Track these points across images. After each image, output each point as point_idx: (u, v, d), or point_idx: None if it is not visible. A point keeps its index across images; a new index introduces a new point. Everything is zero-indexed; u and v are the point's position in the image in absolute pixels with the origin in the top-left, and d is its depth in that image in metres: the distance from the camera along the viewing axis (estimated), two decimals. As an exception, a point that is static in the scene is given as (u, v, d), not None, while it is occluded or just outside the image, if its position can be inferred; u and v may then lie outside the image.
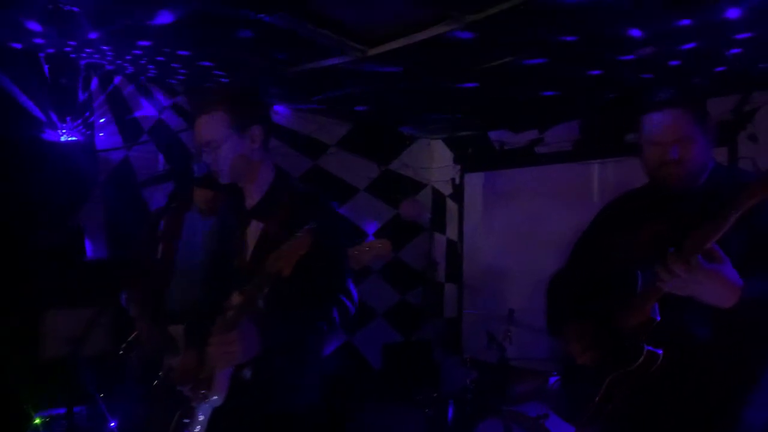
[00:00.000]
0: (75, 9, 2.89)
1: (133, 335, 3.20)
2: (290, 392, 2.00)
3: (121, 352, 3.21)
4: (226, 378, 1.90)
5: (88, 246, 4.07)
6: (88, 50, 3.72)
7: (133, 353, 3.18)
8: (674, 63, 3.50)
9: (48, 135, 3.94)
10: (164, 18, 3.05)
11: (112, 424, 3.48)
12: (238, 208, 2.12)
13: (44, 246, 3.76)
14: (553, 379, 3.74)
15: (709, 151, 1.86)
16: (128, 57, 3.84)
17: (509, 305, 4.29)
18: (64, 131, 4.01)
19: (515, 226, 5.52)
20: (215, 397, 1.90)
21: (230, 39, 3.33)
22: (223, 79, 4.15)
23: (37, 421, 3.36)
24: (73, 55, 3.86)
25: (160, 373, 2.93)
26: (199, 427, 1.91)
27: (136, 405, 3.09)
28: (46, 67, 3.89)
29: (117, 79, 4.30)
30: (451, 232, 6.12)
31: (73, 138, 4.06)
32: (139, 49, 3.64)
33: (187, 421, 1.93)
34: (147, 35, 3.33)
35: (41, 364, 3.30)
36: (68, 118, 4.03)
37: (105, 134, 4.26)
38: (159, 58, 3.83)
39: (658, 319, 1.62)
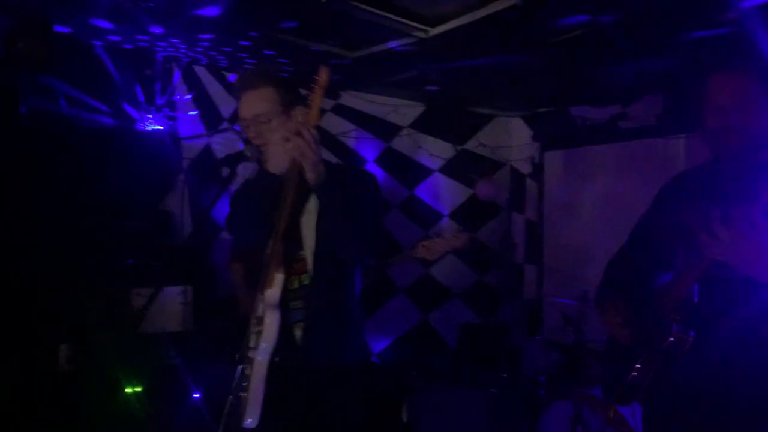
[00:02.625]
0: (145, 4, 3.08)
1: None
2: (339, 346, 2.04)
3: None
4: (276, 326, 1.95)
5: (174, 230, 4.33)
6: (161, 44, 3.94)
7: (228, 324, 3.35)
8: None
9: (137, 125, 4.21)
10: (211, 11, 3.24)
11: (196, 396, 3.72)
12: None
13: (134, 231, 4.04)
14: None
15: None
16: (198, 49, 4.04)
17: (588, 286, 4.16)
18: (151, 121, 4.27)
19: (597, 204, 5.34)
20: (264, 344, 1.93)
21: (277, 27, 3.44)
22: (287, 68, 4.24)
23: (128, 390, 3.64)
24: (151, 49, 4.09)
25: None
26: (260, 369, 1.94)
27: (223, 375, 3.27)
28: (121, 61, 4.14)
29: (198, 70, 4.52)
30: (531, 212, 6.00)
31: (159, 127, 4.32)
32: (205, 41, 3.84)
33: (248, 373, 1.97)
34: (201, 27, 3.49)
35: (130, 339, 3.60)
36: (152, 109, 4.29)
37: (187, 123, 4.49)
38: (225, 49, 3.99)
39: (696, 300, 1.55)
